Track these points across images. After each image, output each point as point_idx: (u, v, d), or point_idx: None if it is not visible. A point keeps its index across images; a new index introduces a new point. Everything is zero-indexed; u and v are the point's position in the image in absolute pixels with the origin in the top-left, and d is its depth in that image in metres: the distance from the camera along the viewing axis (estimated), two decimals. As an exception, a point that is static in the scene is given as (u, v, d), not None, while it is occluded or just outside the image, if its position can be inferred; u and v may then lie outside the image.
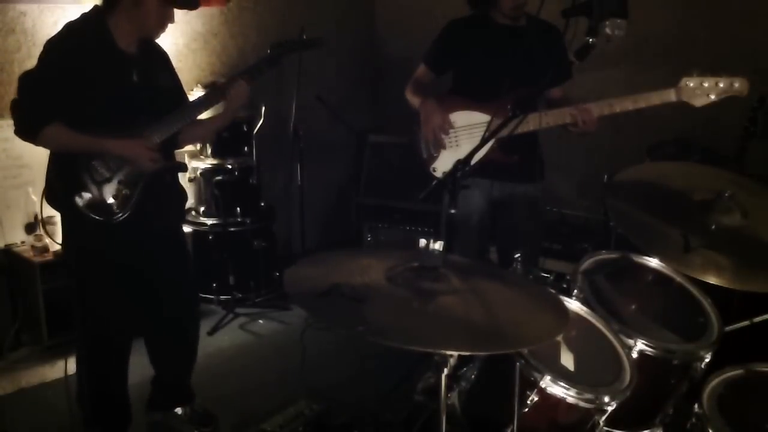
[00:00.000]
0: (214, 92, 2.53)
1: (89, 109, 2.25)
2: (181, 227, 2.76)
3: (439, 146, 2.77)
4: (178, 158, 2.76)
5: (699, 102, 2.42)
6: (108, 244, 2.37)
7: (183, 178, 2.68)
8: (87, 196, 2.29)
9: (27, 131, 2.24)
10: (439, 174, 2.72)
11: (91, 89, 2.24)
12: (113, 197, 2.32)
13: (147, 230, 2.44)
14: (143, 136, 2.34)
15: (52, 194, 2.36)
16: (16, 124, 2.25)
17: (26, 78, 2.26)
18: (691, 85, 2.41)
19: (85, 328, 2.48)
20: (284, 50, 2.63)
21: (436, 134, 2.73)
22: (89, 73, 2.24)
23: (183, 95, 2.59)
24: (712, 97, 2.40)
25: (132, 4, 2.25)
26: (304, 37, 2.68)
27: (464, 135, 2.73)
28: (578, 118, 2.54)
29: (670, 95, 2.44)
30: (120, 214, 2.32)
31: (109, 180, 2.32)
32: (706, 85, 2.39)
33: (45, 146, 2.30)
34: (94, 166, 2.30)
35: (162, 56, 2.50)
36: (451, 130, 2.74)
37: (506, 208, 2.89)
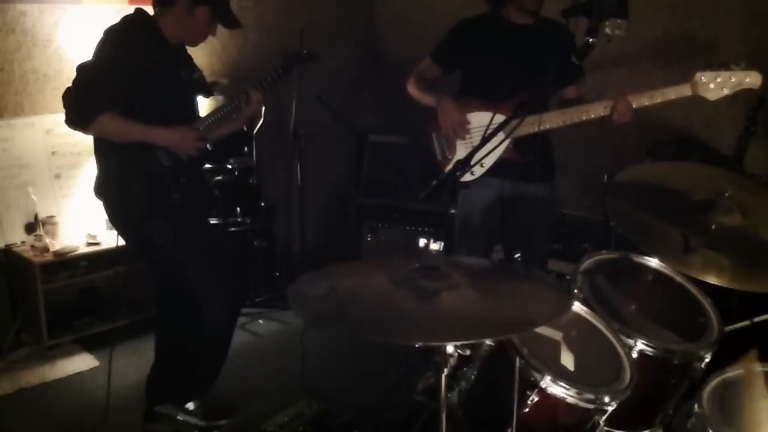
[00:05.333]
0: (239, 99, 2.63)
1: (143, 100, 2.34)
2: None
3: (455, 147, 2.78)
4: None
5: (713, 96, 2.43)
6: (162, 230, 2.46)
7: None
8: (151, 182, 2.41)
9: (80, 119, 2.30)
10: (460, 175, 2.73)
11: (147, 81, 2.35)
12: (172, 182, 2.43)
13: (193, 217, 2.59)
14: (192, 127, 2.49)
15: (110, 185, 2.45)
16: (68, 113, 2.30)
17: (83, 68, 2.33)
18: (705, 80, 2.42)
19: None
20: (294, 61, 2.74)
21: (456, 133, 2.74)
22: (145, 65, 2.34)
23: (210, 92, 2.77)
24: (726, 91, 2.41)
25: (185, 11, 2.38)
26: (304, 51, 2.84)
27: (479, 136, 2.73)
28: (616, 108, 2.54)
29: (686, 90, 2.45)
30: (176, 198, 2.44)
31: (169, 167, 2.43)
32: (719, 79, 2.40)
33: (97, 134, 2.37)
34: (157, 154, 2.41)
35: (191, 57, 2.62)
36: (467, 135, 2.76)
37: (517, 207, 2.89)
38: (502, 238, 3.04)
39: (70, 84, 2.34)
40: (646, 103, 2.53)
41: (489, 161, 2.70)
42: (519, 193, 2.86)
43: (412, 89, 2.91)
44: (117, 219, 2.52)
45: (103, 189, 2.48)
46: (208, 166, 3.89)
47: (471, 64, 2.85)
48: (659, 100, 2.50)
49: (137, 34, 2.37)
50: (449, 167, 2.79)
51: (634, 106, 2.54)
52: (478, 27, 2.83)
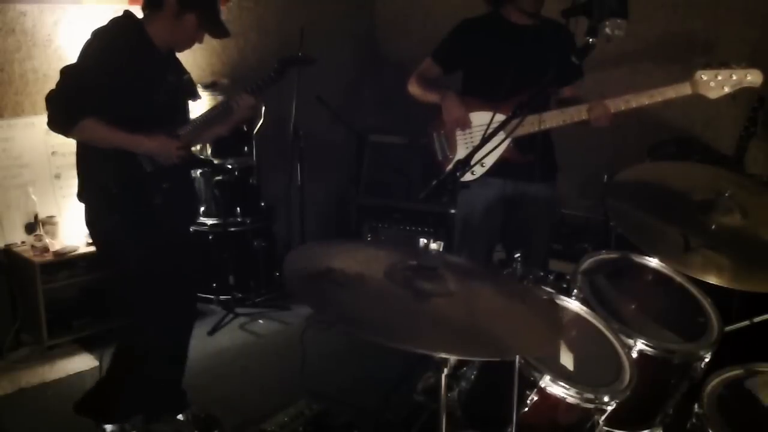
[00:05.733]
0: (227, 103, 2.61)
1: (129, 105, 2.32)
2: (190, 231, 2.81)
3: (455, 146, 2.78)
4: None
5: (714, 94, 2.42)
6: (142, 237, 2.43)
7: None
8: (132, 186, 2.38)
9: (63, 123, 2.27)
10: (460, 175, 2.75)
11: (133, 86, 2.32)
12: (154, 187, 2.41)
13: (175, 223, 2.55)
14: (178, 135, 2.46)
15: (91, 187, 2.41)
16: (50, 116, 2.27)
17: (68, 71, 2.30)
18: (705, 78, 2.41)
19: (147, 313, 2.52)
20: (288, 65, 2.69)
21: (457, 127, 2.76)
22: (131, 70, 2.31)
23: (198, 95, 2.71)
24: (727, 89, 2.40)
25: (174, 16, 2.35)
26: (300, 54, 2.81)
27: (480, 135, 2.75)
28: (591, 114, 2.57)
29: (686, 88, 2.45)
30: (157, 203, 2.42)
31: (151, 172, 2.41)
32: (720, 78, 2.39)
33: (79, 138, 2.35)
34: (138, 159, 2.38)
35: (178, 60, 2.59)
36: (468, 131, 2.76)
37: (519, 206, 2.91)
38: (504, 237, 3.04)
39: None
40: (647, 103, 2.53)
41: (489, 161, 2.71)
42: (520, 193, 2.87)
43: (414, 89, 2.91)
44: (92, 224, 2.48)
45: (83, 193, 2.45)
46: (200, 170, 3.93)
47: (472, 65, 2.86)
48: (659, 100, 2.50)
49: (124, 38, 2.34)
50: (450, 167, 2.81)
51: (634, 105, 2.54)
52: (478, 27, 2.83)
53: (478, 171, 2.75)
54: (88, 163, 2.41)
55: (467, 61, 2.87)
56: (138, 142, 2.34)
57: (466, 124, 2.77)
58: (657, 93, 2.50)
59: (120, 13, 2.42)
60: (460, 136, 2.81)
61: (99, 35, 2.33)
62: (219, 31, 2.47)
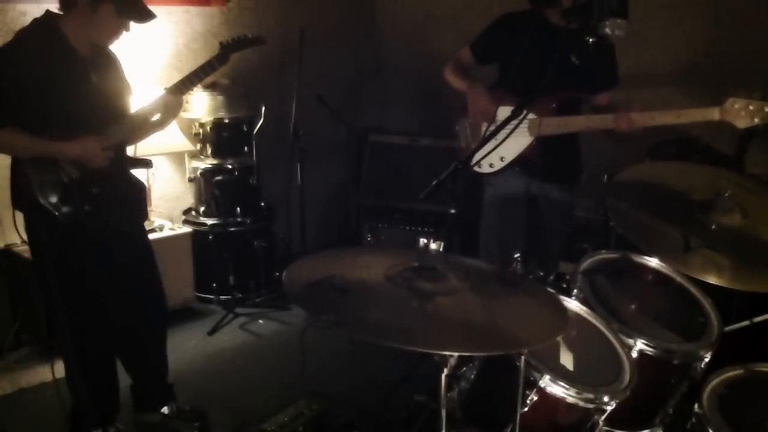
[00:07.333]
0: (159, 100, 2.53)
1: (51, 111, 2.25)
2: (143, 226, 2.73)
3: (480, 136, 2.80)
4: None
5: (742, 124, 2.36)
6: (75, 244, 2.37)
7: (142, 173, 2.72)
8: (57, 195, 2.30)
9: None
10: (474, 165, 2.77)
11: (51, 92, 2.24)
12: (81, 194, 2.33)
13: (112, 228, 2.47)
14: (104, 135, 2.37)
15: (19, 196, 2.35)
16: None
17: None
18: (737, 106, 2.35)
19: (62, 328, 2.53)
20: (231, 50, 2.65)
21: (481, 118, 2.79)
22: (47, 77, 2.23)
23: (131, 96, 2.60)
24: (756, 120, 2.33)
25: (88, 11, 2.26)
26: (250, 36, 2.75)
27: (505, 130, 2.76)
28: (615, 124, 2.59)
29: (714, 114, 2.41)
30: (88, 210, 2.35)
31: (78, 178, 2.33)
32: (751, 108, 2.33)
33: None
34: (62, 165, 2.31)
35: (112, 58, 2.51)
36: (493, 124, 2.78)
37: (539, 206, 2.94)
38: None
39: None
40: (671, 123, 2.52)
41: (510, 155, 2.72)
42: (542, 193, 2.91)
43: (448, 74, 2.95)
44: (26, 232, 2.41)
45: (15, 202, 2.39)
46: (206, 166, 3.93)
47: (506, 60, 2.87)
48: (685, 121, 2.48)
49: (36, 44, 2.25)
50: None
51: (659, 123, 2.55)
52: (518, 24, 2.83)
53: (497, 164, 2.78)
54: (15, 171, 2.33)
55: (502, 56, 2.88)
56: (58, 148, 2.26)
57: (489, 116, 2.77)
58: (684, 114, 2.48)
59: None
60: (486, 126, 2.83)
61: (14, 38, 2.25)
62: (141, 14, 2.36)
